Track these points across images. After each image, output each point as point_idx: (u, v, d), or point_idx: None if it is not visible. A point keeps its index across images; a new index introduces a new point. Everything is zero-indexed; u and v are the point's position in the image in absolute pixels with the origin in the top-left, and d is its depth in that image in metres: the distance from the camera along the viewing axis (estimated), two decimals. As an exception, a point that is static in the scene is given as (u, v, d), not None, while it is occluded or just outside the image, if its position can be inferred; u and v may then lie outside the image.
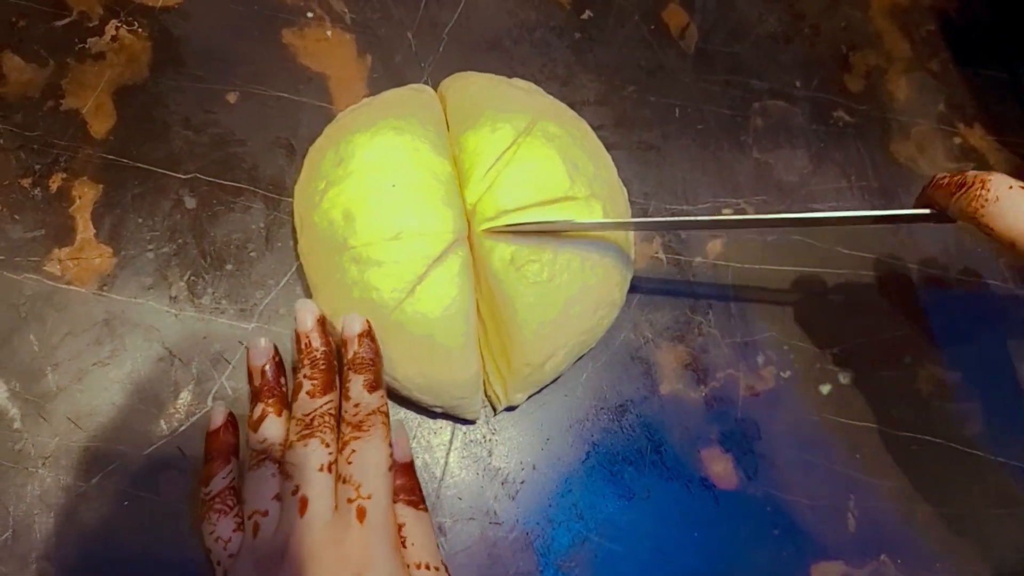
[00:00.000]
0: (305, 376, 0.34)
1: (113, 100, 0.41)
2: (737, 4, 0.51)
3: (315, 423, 0.33)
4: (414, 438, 0.39)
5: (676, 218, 0.45)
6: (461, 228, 0.37)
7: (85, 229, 0.38)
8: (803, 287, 0.46)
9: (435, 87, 0.44)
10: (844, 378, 0.44)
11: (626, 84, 0.48)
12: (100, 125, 0.40)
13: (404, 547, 0.32)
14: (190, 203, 0.40)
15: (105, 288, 0.38)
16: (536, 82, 0.45)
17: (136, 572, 0.34)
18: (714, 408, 0.42)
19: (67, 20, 0.41)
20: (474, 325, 0.38)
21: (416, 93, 0.42)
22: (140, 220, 0.39)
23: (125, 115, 0.40)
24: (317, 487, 0.31)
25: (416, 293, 0.36)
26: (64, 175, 0.39)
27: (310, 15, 0.44)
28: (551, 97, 0.44)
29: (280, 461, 0.33)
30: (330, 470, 0.32)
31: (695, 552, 0.40)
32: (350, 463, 0.32)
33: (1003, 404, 0.46)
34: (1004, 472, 0.45)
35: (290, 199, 0.41)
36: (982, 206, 0.32)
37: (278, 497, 0.32)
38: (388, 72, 0.44)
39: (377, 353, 0.35)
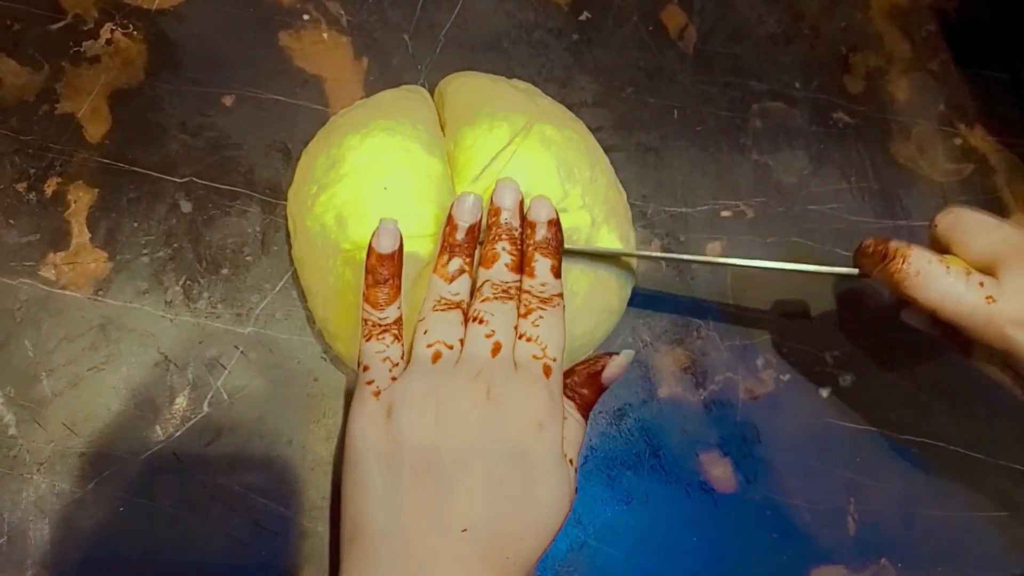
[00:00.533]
0: (504, 249, 0.34)
1: (108, 104, 0.40)
2: (736, 5, 0.51)
3: (511, 292, 0.34)
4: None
5: (649, 253, 0.44)
6: None
7: (80, 234, 0.38)
8: (803, 289, 0.46)
9: (431, 89, 0.44)
10: (844, 381, 0.44)
11: (624, 86, 0.48)
12: (95, 129, 0.40)
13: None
14: (186, 207, 0.40)
15: (100, 293, 0.38)
16: (534, 84, 0.45)
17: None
18: (713, 411, 0.42)
19: (62, 23, 0.41)
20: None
21: (408, 94, 0.42)
22: (136, 224, 0.39)
23: (120, 119, 0.40)
24: (511, 338, 0.32)
25: (410, 296, 0.36)
26: (59, 179, 0.39)
27: (306, 17, 0.44)
28: (549, 98, 0.44)
29: (470, 311, 0.33)
30: (516, 332, 0.33)
31: (694, 557, 0.40)
32: (537, 325, 0.33)
33: (1003, 407, 0.45)
34: (1005, 475, 0.44)
35: (286, 203, 0.40)
36: (904, 279, 0.34)
37: (462, 342, 0.33)
38: (385, 74, 0.44)
39: (562, 242, 0.36)
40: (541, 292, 0.34)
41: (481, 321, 0.32)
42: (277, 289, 0.39)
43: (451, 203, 0.35)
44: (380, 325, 0.33)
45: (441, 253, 0.35)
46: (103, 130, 0.40)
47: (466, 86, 0.42)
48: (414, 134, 0.39)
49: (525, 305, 0.33)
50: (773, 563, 0.41)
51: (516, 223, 0.35)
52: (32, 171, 0.39)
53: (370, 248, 0.34)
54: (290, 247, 0.39)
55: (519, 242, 0.35)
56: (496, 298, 0.33)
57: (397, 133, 0.39)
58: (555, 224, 0.35)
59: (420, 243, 0.36)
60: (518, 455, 0.30)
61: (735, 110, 0.49)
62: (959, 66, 0.54)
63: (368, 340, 0.33)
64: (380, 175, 0.37)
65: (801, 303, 0.45)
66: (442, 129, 0.41)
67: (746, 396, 0.43)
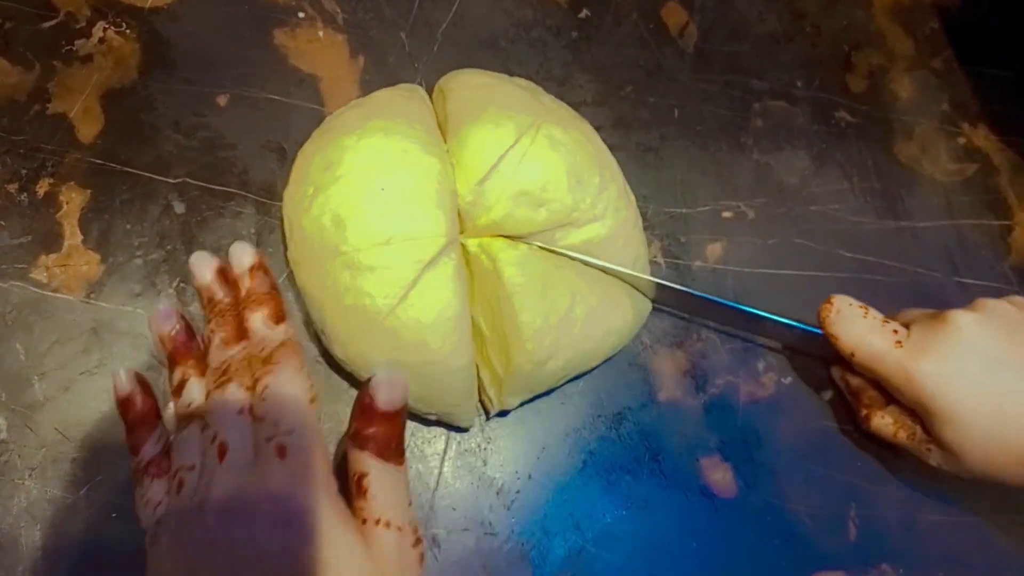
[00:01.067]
0: (213, 329, 0.33)
1: (101, 104, 0.40)
2: (737, 3, 0.51)
3: (231, 368, 0.31)
4: (408, 447, 0.38)
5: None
6: (453, 231, 0.37)
7: (72, 235, 0.38)
8: (804, 291, 0.45)
9: (429, 88, 0.43)
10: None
11: (624, 84, 0.47)
12: (88, 129, 0.39)
13: (365, 498, 0.29)
14: (179, 208, 0.39)
15: (93, 295, 0.37)
16: (533, 82, 0.44)
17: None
18: (713, 415, 0.42)
19: (54, 22, 0.41)
20: (468, 329, 0.37)
21: (404, 93, 0.42)
22: (128, 226, 0.38)
23: (113, 119, 0.40)
24: (235, 430, 0.29)
25: (409, 298, 0.35)
26: (51, 180, 0.38)
27: (301, 15, 0.44)
28: (552, 97, 0.43)
29: (202, 415, 0.31)
30: (250, 413, 0.30)
31: (694, 562, 0.39)
32: (264, 400, 0.29)
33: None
34: (1008, 479, 0.44)
35: (281, 203, 0.40)
36: (827, 317, 0.39)
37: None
38: (381, 73, 0.44)
39: (273, 285, 0.34)
40: (262, 351, 0.31)
41: (205, 426, 0.30)
42: (272, 292, 0.39)
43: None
44: (139, 469, 0.31)
45: (167, 371, 0.34)
46: (95, 130, 0.40)
47: (468, 84, 0.41)
48: (411, 134, 0.38)
49: (252, 375, 0.31)
50: (774, 569, 0.40)
51: (220, 293, 0.34)
52: (23, 172, 0.38)
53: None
54: (285, 248, 0.39)
55: (229, 309, 0.34)
56: (218, 387, 0.31)
57: (394, 133, 0.38)
58: (258, 268, 0.34)
59: (417, 245, 0.36)
60: (279, 569, 0.26)
61: (736, 109, 0.48)
62: (962, 64, 0.53)
63: (134, 487, 0.31)
64: (377, 176, 0.37)
65: (802, 304, 0.45)
66: (440, 127, 0.41)
67: (747, 400, 0.42)
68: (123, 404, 0.32)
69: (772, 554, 0.40)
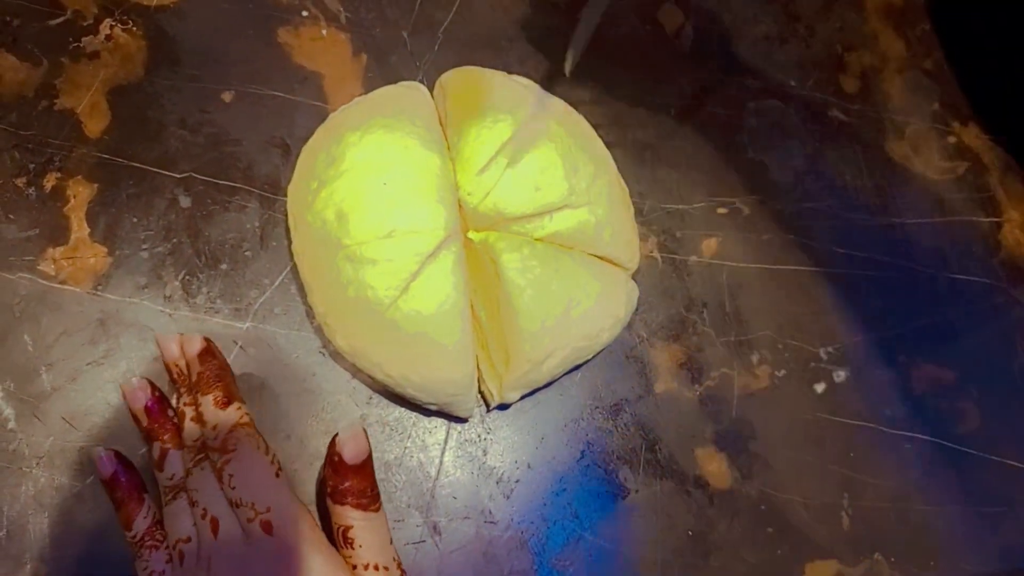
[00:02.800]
0: (186, 404, 0.34)
1: (108, 99, 0.40)
2: (732, 4, 0.51)
3: (205, 446, 0.33)
4: (409, 437, 0.39)
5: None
6: (454, 224, 0.37)
7: (80, 229, 0.38)
8: (798, 286, 0.46)
9: (430, 85, 0.44)
10: (839, 377, 0.45)
11: (622, 83, 0.48)
12: (95, 124, 0.40)
13: (352, 548, 0.32)
14: (185, 202, 0.40)
15: (100, 288, 0.38)
16: (531, 80, 0.45)
17: (129, 573, 0.34)
18: (709, 407, 0.43)
19: (61, 19, 0.41)
20: (468, 321, 0.38)
21: (406, 90, 0.42)
22: (135, 220, 0.39)
23: (120, 114, 0.40)
24: (222, 505, 0.31)
25: (410, 291, 0.36)
26: (59, 174, 0.39)
27: (305, 14, 0.44)
28: (549, 94, 0.44)
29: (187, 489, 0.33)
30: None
31: (690, 551, 0.40)
32: (233, 488, 0.31)
33: (996, 403, 0.46)
34: (996, 470, 0.45)
35: (285, 198, 0.41)
36: None
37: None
38: (383, 71, 0.44)
39: (222, 367, 0.35)
40: (216, 440, 0.32)
41: (193, 502, 0.32)
42: (276, 284, 0.40)
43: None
44: (134, 543, 0.33)
45: (146, 444, 0.35)
46: (102, 126, 0.40)
47: (469, 80, 0.42)
48: (412, 130, 0.39)
49: (214, 466, 0.32)
50: (768, 558, 0.41)
51: (185, 368, 0.35)
52: (31, 166, 0.39)
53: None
54: (289, 242, 0.40)
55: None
56: (195, 464, 0.32)
57: (395, 129, 0.39)
58: (206, 352, 0.35)
59: (419, 238, 0.37)
60: None
61: (731, 108, 0.49)
62: (952, 65, 0.54)
63: (134, 558, 0.33)
64: (379, 171, 0.38)
65: (797, 299, 0.46)
66: (441, 123, 0.41)
67: (741, 392, 0.43)
68: (108, 484, 0.34)
69: (766, 543, 0.41)
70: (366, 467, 0.34)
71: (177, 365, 0.36)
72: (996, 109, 0.53)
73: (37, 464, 0.35)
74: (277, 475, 0.32)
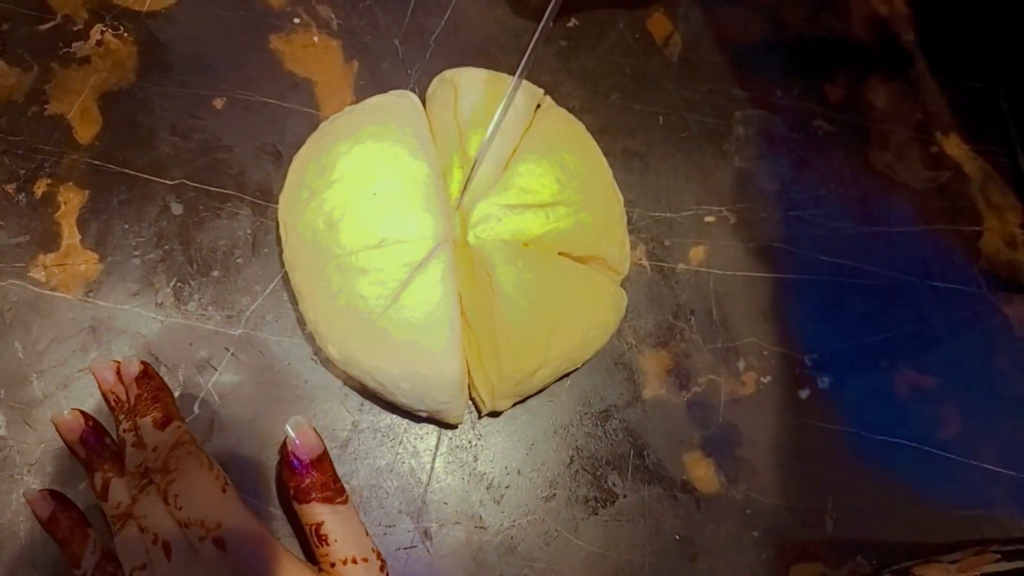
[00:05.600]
0: (125, 430, 0.33)
1: (98, 105, 0.40)
2: (720, 14, 0.52)
3: (149, 471, 0.32)
4: (400, 443, 0.39)
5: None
6: (442, 233, 0.38)
7: (70, 235, 0.38)
8: (783, 294, 0.47)
9: (422, 93, 0.44)
10: (823, 383, 0.45)
11: (611, 92, 0.48)
12: (85, 130, 0.40)
13: (327, 544, 0.32)
14: (176, 209, 0.40)
15: (91, 294, 0.38)
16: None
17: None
18: (696, 413, 0.43)
19: (51, 24, 0.41)
20: (458, 329, 0.38)
21: (396, 99, 0.43)
22: (126, 226, 0.39)
23: (111, 120, 0.40)
24: (171, 529, 0.31)
25: (400, 300, 0.36)
26: (49, 181, 0.39)
27: (297, 21, 0.44)
28: (550, 99, 0.45)
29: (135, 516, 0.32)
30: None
31: (678, 554, 0.41)
32: (180, 508, 0.31)
33: (975, 409, 0.47)
34: (976, 474, 0.46)
35: (276, 205, 0.41)
36: None
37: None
38: (375, 79, 0.45)
39: (160, 388, 0.34)
40: (157, 460, 0.32)
41: (143, 528, 0.31)
42: (268, 291, 0.40)
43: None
44: None
45: (87, 474, 0.34)
46: (93, 131, 0.40)
47: (477, 84, 0.43)
48: (401, 139, 0.39)
49: (158, 488, 0.32)
50: (754, 561, 0.42)
51: (124, 394, 0.34)
52: (22, 172, 0.39)
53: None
54: (281, 250, 0.40)
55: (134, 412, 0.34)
56: (140, 490, 0.32)
57: (385, 139, 0.39)
58: (143, 375, 0.34)
59: (408, 248, 0.37)
60: None
61: (718, 117, 0.50)
62: (936, 76, 0.55)
63: None
64: (369, 181, 0.38)
65: (782, 307, 0.46)
66: (432, 129, 0.42)
67: (728, 398, 0.44)
68: (48, 524, 0.33)
69: (752, 547, 0.42)
70: (324, 460, 0.34)
71: (114, 392, 0.35)
72: (977, 120, 0.54)
73: (28, 471, 0.35)
74: (224, 490, 0.32)
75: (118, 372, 0.35)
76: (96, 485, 0.33)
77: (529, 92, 0.44)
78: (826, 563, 0.42)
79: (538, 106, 0.44)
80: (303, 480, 0.33)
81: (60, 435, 0.34)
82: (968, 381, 0.48)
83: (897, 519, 0.44)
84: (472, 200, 0.39)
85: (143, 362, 0.34)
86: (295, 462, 0.33)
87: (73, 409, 0.34)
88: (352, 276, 0.36)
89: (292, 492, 0.33)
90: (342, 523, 0.33)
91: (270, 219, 0.41)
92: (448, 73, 0.43)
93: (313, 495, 0.33)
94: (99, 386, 0.35)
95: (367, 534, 0.33)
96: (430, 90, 0.44)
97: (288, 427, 0.34)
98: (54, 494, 0.33)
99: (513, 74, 0.41)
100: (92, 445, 0.34)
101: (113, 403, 0.34)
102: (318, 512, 0.33)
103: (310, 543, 0.33)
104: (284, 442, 0.34)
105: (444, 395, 0.38)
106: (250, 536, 0.31)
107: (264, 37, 0.44)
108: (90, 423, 0.34)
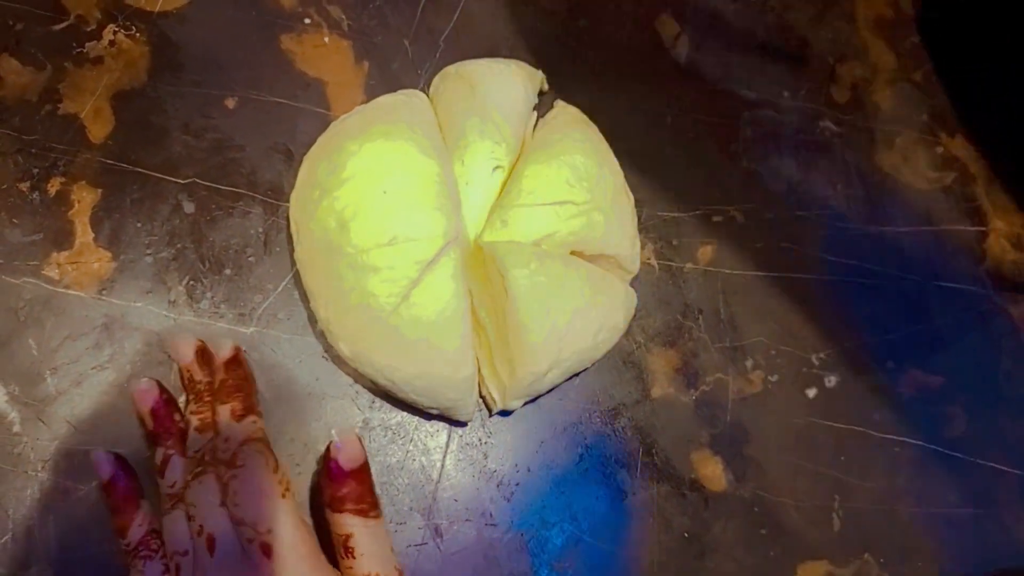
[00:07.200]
0: (192, 412, 0.34)
1: (111, 105, 0.41)
2: (727, 16, 0.52)
3: (207, 459, 0.32)
4: (411, 441, 0.40)
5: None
6: (453, 231, 0.38)
7: (84, 233, 0.39)
8: (790, 293, 0.47)
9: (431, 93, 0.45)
10: (829, 382, 0.46)
11: (619, 92, 0.49)
12: (98, 130, 0.40)
13: (353, 557, 0.32)
14: (189, 208, 0.40)
15: (104, 292, 0.38)
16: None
17: None
18: (704, 411, 0.43)
19: (64, 24, 0.41)
20: (469, 326, 0.38)
21: (405, 98, 0.43)
22: (139, 225, 0.39)
23: (123, 120, 0.41)
24: (221, 523, 0.31)
25: (411, 297, 0.37)
26: (63, 179, 0.39)
27: (308, 21, 0.45)
28: (560, 100, 0.45)
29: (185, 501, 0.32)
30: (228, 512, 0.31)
31: (685, 552, 0.41)
32: (237, 504, 0.31)
33: (982, 408, 0.47)
34: (982, 473, 0.46)
35: (288, 204, 0.41)
36: None
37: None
38: (385, 78, 0.45)
39: (246, 379, 0.34)
40: (226, 452, 0.32)
41: (190, 516, 0.31)
42: (279, 289, 0.40)
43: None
44: (128, 551, 0.32)
45: (149, 448, 0.34)
46: (106, 131, 0.40)
47: (497, 77, 0.43)
48: (411, 137, 0.40)
49: (219, 477, 0.32)
50: (761, 559, 0.42)
51: (199, 374, 0.35)
52: (35, 171, 0.39)
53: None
54: (292, 249, 0.40)
55: (207, 392, 0.34)
56: (195, 477, 0.32)
57: (395, 137, 0.39)
58: (233, 361, 0.34)
59: (418, 246, 0.37)
60: None
61: (725, 117, 0.50)
62: (941, 77, 0.55)
63: (127, 567, 0.32)
64: (379, 179, 0.38)
65: (789, 306, 0.47)
66: (440, 126, 0.42)
67: (736, 396, 0.44)
68: (107, 487, 0.33)
69: (759, 545, 0.42)
70: (363, 472, 0.33)
71: (189, 370, 0.35)
72: (983, 121, 0.54)
73: (42, 467, 0.35)
74: (284, 495, 0.32)
75: (199, 351, 0.35)
76: (157, 459, 0.34)
77: (530, 74, 0.44)
78: (833, 561, 0.43)
79: (548, 109, 0.44)
80: (340, 488, 0.33)
81: (134, 402, 0.35)
82: (974, 381, 0.48)
83: (904, 517, 0.44)
84: (486, 193, 0.40)
85: (236, 346, 0.34)
86: (335, 469, 0.33)
87: (151, 379, 0.35)
88: (363, 274, 0.37)
89: (327, 499, 0.33)
90: (371, 538, 0.32)
91: (281, 218, 0.41)
92: (451, 68, 0.44)
93: (347, 505, 0.32)
94: (177, 360, 0.35)
95: (392, 551, 0.33)
96: (432, 88, 0.44)
97: (334, 432, 0.34)
98: (118, 458, 0.33)
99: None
100: (161, 418, 0.34)
101: (186, 381, 0.35)
102: (349, 523, 0.32)
103: (336, 553, 0.33)
104: (327, 447, 0.34)
105: (455, 393, 0.38)
106: (298, 549, 0.31)
107: (275, 37, 0.44)
108: (164, 395, 0.35)
